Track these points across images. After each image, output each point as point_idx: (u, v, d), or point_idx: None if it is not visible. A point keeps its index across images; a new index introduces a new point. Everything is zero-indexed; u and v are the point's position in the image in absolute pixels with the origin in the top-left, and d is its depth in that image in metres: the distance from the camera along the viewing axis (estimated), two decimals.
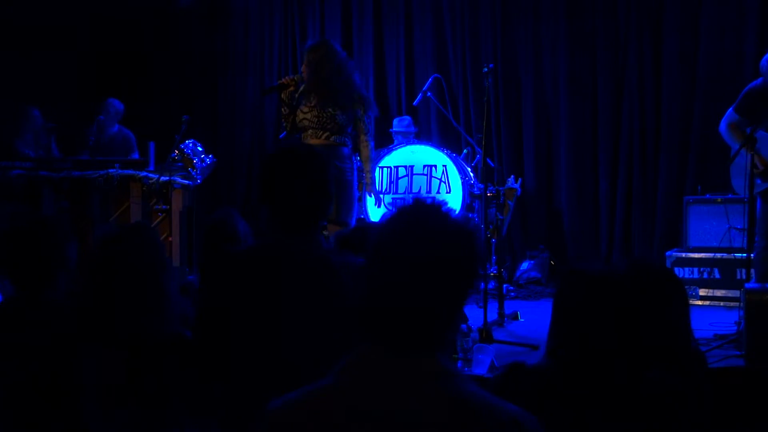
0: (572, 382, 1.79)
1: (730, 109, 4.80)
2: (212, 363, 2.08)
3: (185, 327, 2.23)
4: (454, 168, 6.03)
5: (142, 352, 2.07)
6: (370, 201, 6.23)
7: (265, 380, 1.99)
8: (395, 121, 7.16)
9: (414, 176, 6.18)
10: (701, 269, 5.95)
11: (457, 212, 1.46)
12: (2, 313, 2.44)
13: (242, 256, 2.21)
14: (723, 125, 4.83)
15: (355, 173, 5.02)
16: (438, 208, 1.34)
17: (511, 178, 6.13)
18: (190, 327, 2.20)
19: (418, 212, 1.32)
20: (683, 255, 6.05)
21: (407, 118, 7.24)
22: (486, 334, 4.48)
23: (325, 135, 4.90)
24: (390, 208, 6.14)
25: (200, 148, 5.78)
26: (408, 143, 6.39)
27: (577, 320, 1.83)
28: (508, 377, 1.86)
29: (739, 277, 5.57)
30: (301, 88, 4.86)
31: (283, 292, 2.02)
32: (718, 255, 5.90)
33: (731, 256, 5.80)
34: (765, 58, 4.67)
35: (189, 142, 5.76)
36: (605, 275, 1.86)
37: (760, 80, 4.71)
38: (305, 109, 4.94)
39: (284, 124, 5.06)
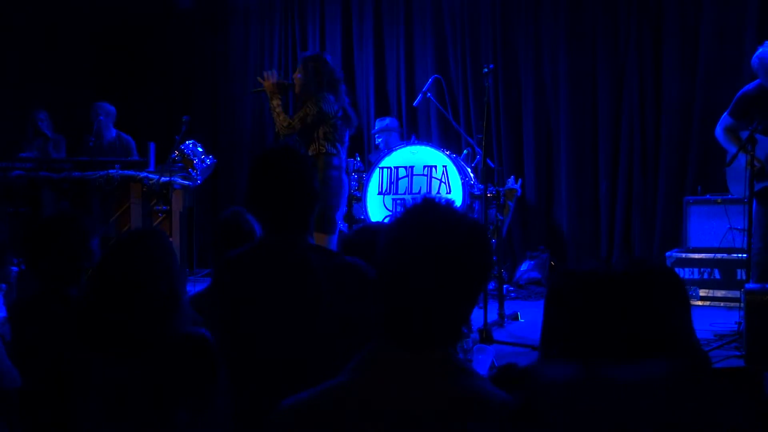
0: None
1: (725, 113, 4.82)
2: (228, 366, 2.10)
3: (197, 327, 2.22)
4: (454, 168, 6.02)
5: (155, 357, 2.04)
6: (371, 202, 6.24)
7: (266, 381, 2.01)
8: (376, 123, 7.14)
9: (414, 177, 6.17)
10: (701, 270, 5.95)
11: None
12: (29, 308, 2.44)
13: (238, 259, 2.23)
14: (719, 130, 4.86)
15: (345, 181, 4.92)
16: (448, 206, 1.36)
17: (511, 179, 6.12)
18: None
19: (429, 211, 1.34)
20: (683, 255, 6.04)
21: (387, 117, 7.20)
22: (486, 335, 4.49)
23: (308, 145, 4.74)
24: (389, 209, 6.14)
25: (200, 149, 5.77)
26: (403, 145, 6.32)
27: (568, 319, 1.83)
28: (500, 379, 1.86)
29: (739, 277, 5.58)
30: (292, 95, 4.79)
31: (272, 293, 2.06)
32: (718, 255, 5.90)
33: (731, 256, 5.80)
34: (755, 56, 4.69)
35: (189, 143, 5.76)
36: (596, 273, 1.86)
37: (753, 84, 4.74)
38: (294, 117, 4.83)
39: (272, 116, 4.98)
